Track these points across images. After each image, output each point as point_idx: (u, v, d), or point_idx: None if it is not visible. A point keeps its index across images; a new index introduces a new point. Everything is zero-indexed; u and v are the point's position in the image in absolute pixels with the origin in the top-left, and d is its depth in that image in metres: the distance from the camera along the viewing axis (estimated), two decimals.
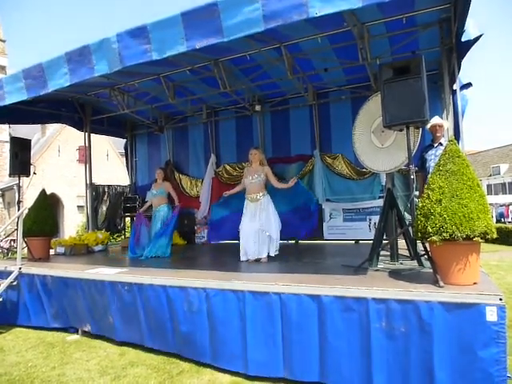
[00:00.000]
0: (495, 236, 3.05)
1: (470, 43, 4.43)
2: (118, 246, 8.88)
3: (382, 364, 3.03)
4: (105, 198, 9.74)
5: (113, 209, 9.83)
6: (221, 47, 5.27)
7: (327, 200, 7.64)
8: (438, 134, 4.90)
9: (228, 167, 8.74)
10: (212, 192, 8.72)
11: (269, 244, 5.20)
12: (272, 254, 5.20)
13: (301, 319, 3.38)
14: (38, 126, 23.26)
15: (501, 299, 2.75)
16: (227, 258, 6.34)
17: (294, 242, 7.82)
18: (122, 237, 10.20)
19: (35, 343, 4.78)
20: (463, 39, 4.06)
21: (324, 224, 7.65)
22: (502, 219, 25.43)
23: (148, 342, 4.29)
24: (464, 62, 4.99)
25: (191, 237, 8.76)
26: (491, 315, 2.74)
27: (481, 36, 4.33)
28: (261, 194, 5.29)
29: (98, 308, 4.71)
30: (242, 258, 5.27)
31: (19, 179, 6.92)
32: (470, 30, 4.06)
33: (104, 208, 9.69)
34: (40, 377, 3.81)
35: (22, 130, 18.51)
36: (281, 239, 5.39)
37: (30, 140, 7.04)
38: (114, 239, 10.48)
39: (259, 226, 5.18)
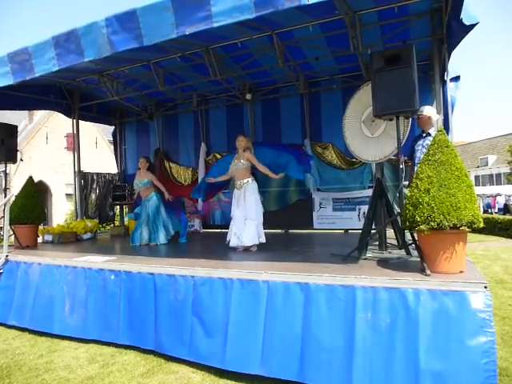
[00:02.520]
0: (482, 225, 3.08)
1: (462, 32, 4.42)
2: (107, 235, 8.85)
3: (364, 358, 2.95)
4: (94, 186, 9.64)
5: (102, 197, 9.75)
6: (212, 33, 5.20)
7: (317, 189, 7.67)
8: (421, 125, 4.90)
9: (218, 156, 8.69)
10: None
11: (255, 232, 5.14)
12: (257, 242, 5.13)
13: (286, 309, 3.32)
14: (25, 113, 22.88)
15: (486, 287, 2.79)
16: (217, 246, 6.35)
17: (283, 231, 7.86)
18: (112, 225, 10.14)
19: (22, 331, 4.75)
20: (467, 22, 4.00)
21: (314, 213, 7.68)
22: (489, 210, 25.81)
23: (123, 339, 4.09)
24: (457, 52, 5.01)
25: None
26: (477, 303, 2.77)
27: (475, 25, 4.30)
28: (245, 181, 5.25)
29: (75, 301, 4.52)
30: (231, 244, 5.22)
31: (5, 166, 6.82)
32: (465, 18, 4.02)
33: (93, 196, 9.60)
34: (27, 364, 3.80)
35: (9, 116, 18.18)
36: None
37: (16, 126, 6.92)
38: (103, 227, 10.42)
39: (244, 215, 5.17)
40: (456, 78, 6.12)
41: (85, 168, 9.44)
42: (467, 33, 4.33)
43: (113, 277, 4.31)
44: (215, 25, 3.34)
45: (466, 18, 3.83)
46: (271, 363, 3.26)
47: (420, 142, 4.88)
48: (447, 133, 3.77)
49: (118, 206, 9.83)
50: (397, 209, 4.99)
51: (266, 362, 3.28)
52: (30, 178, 6.59)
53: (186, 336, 3.73)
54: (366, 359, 2.95)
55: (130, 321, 4.12)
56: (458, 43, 4.79)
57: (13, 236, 6.23)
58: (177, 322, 3.82)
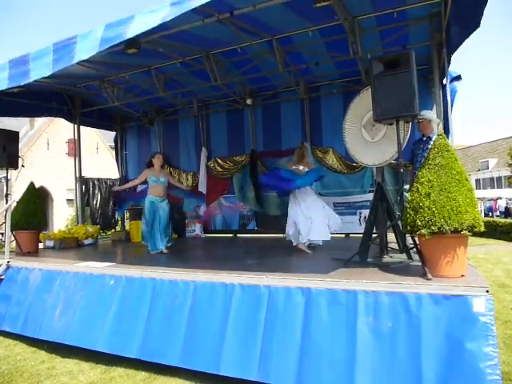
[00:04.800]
0: (483, 229, 3.08)
1: (462, 37, 4.47)
2: (108, 240, 8.86)
3: (366, 363, 2.92)
4: (96, 191, 9.65)
5: (104, 203, 9.75)
6: (211, 39, 5.25)
7: (318, 194, 7.66)
8: (421, 129, 4.91)
9: (220, 161, 8.72)
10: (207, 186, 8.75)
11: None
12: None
13: (287, 313, 3.29)
14: (27, 119, 22.92)
15: (487, 291, 2.78)
16: (218, 251, 6.35)
17: (284, 235, 7.83)
18: (113, 230, 10.13)
19: (23, 336, 4.73)
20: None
21: None
22: (490, 213, 25.77)
23: (103, 346, 3.91)
24: (456, 55, 5.05)
25: (182, 230, 8.75)
26: (478, 307, 2.76)
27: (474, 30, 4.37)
28: None
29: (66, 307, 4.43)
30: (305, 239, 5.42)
31: (7, 172, 6.83)
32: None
33: (94, 202, 9.61)
34: (29, 370, 3.79)
35: (10, 123, 18.22)
36: None
37: (17, 132, 6.94)
38: (105, 233, 10.41)
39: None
40: (457, 78, 6.14)
41: (86, 173, 9.46)
42: (467, 37, 4.38)
43: (112, 282, 4.26)
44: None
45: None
46: (269, 369, 3.20)
47: (420, 146, 4.90)
48: (447, 136, 3.78)
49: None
50: (398, 212, 5.00)
51: (263, 367, 3.22)
52: (31, 184, 6.61)
53: (178, 341, 3.61)
54: (367, 364, 2.92)
55: (117, 327, 3.96)
56: (457, 47, 4.83)
57: (14, 242, 6.23)
58: (170, 328, 3.71)
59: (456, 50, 4.92)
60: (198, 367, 3.46)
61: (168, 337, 3.69)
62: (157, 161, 6.20)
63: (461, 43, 4.72)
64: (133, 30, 3.66)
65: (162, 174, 6.18)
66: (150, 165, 6.21)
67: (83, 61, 4.23)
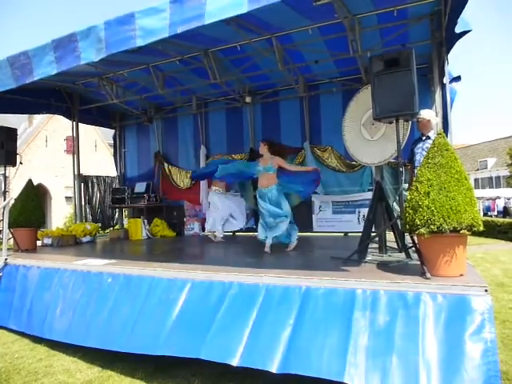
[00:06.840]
0: (482, 228, 3.07)
1: (457, 37, 4.49)
2: (106, 238, 8.84)
3: (359, 353, 2.87)
4: (95, 189, 9.63)
5: (104, 201, 9.73)
6: (210, 37, 5.23)
7: (316, 193, 7.64)
8: (420, 128, 4.91)
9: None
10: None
11: None
12: None
13: (281, 309, 3.25)
14: (25, 116, 22.84)
15: (486, 290, 2.77)
16: (215, 249, 6.33)
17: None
18: (111, 228, 10.10)
19: (22, 334, 4.72)
20: (458, 30, 4.06)
21: (313, 216, 7.67)
22: (489, 213, 25.80)
23: (95, 342, 3.89)
24: (455, 55, 5.07)
25: (181, 229, 8.74)
26: (477, 306, 2.75)
27: (468, 31, 4.41)
28: None
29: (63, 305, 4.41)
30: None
31: (5, 169, 6.81)
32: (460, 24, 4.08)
33: (94, 200, 9.59)
34: (26, 368, 3.78)
35: (8, 119, 18.17)
36: None
37: (16, 129, 6.93)
38: (103, 231, 10.39)
39: None
40: (456, 79, 6.14)
41: (84, 171, 9.43)
42: (460, 37, 4.41)
43: (110, 280, 4.24)
44: (206, 22, 3.32)
45: (460, 25, 3.90)
46: (254, 354, 3.13)
47: (419, 145, 4.88)
48: (447, 135, 3.77)
49: (118, 210, 9.85)
50: (397, 211, 4.99)
51: (248, 352, 3.15)
52: (30, 181, 6.59)
53: (164, 333, 3.56)
54: (361, 355, 2.88)
55: (112, 323, 3.93)
56: (452, 46, 4.85)
57: (12, 239, 6.21)
58: (159, 319, 3.67)
59: (452, 47, 4.93)
60: (178, 353, 3.38)
61: (155, 330, 3.63)
62: (260, 149, 5.68)
63: (455, 42, 4.75)
64: (144, 39, 3.69)
65: (264, 163, 5.53)
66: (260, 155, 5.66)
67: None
